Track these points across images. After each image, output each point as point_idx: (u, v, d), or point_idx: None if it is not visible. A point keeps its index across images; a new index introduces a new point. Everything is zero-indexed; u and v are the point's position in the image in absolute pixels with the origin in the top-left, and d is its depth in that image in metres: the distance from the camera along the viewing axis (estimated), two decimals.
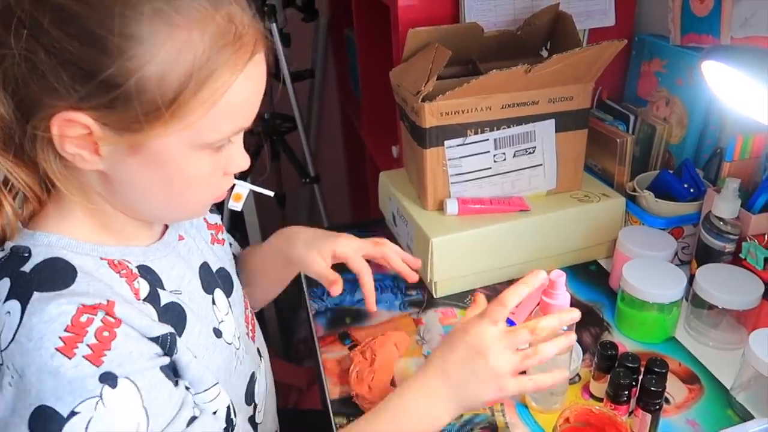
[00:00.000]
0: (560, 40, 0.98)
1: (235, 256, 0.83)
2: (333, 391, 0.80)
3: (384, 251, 0.78)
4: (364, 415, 0.63)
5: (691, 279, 0.84)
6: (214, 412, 0.60)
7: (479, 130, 0.92)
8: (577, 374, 0.79)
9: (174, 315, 0.59)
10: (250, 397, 0.71)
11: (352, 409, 0.76)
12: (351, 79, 1.94)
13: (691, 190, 0.93)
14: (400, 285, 0.99)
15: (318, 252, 0.75)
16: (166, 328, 0.55)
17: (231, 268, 0.75)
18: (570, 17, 0.95)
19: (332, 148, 2.20)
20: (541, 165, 0.97)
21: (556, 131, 0.95)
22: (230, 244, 0.82)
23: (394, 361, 0.81)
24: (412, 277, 0.79)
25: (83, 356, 0.48)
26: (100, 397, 0.48)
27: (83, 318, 0.49)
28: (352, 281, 1.00)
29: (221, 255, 0.74)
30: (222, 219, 0.82)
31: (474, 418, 0.73)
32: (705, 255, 0.86)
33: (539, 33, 1.00)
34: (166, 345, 0.55)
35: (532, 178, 0.98)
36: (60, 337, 0.48)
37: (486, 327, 0.60)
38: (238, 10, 0.51)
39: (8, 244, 0.54)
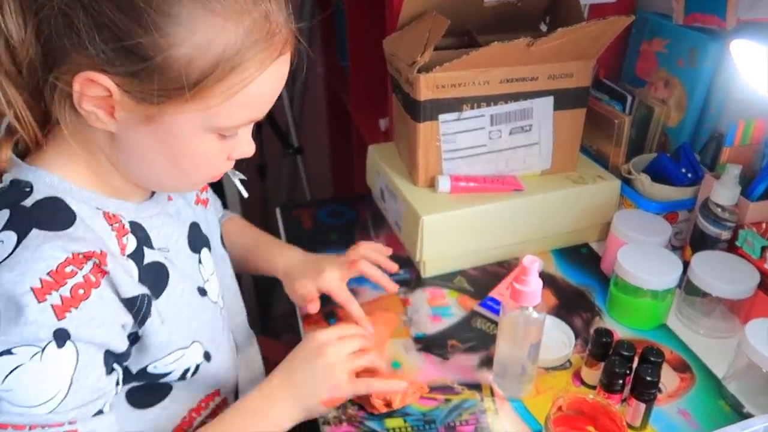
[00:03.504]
0: (561, 14, 0.94)
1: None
2: None
3: (362, 269, 0.80)
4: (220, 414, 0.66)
5: (684, 266, 0.82)
6: (169, 373, 0.63)
7: (475, 105, 0.88)
8: (568, 360, 0.77)
9: (155, 274, 0.60)
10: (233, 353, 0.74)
11: None
12: (338, 48, 1.88)
13: (689, 175, 0.91)
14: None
15: (305, 287, 0.81)
16: (143, 290, 0.57)
17: (209, 230, 0.75)
18: None
19: (316, 118, 2.14)
20: (537, 144, 0.94)
21: (554, 109, 0.91)
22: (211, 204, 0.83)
23: (385, 342, 0.78)
24: (392, 288, 0.83)
25: (51, 304, 0.49)
26: (42, 350, 0.49)
27: (68, 269, 0.50)
28: None
29: (201, 216, 0.74)
30: None
31: (463, 403, 0.71)
32: (700, 242, 0.85)
33: (540, 5, 0.96)
34: (142, 308, 0.56)
35: (527, 157, 0.95)
36: (40, 279, 0.49)
37: (323, 333, 0.69)
38: (275, 9, 0.52)
39: (7, 177, 0.54)
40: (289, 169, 2.04)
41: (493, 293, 0.88)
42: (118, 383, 0.57)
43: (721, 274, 0.78)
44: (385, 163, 1.01)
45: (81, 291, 0.50)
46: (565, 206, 0.94)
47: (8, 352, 0.48)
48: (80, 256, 0.50)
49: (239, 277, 0.89)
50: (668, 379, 0.74)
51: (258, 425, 0.63)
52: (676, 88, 1.00)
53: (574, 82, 0.90)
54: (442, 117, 0.88)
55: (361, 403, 0.71)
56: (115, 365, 0.56)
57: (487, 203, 0.90)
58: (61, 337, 0.49)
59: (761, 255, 0.78)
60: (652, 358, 0.67)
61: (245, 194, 0.72)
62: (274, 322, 1.81)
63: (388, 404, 0.69)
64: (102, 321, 0.52)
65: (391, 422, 0.69)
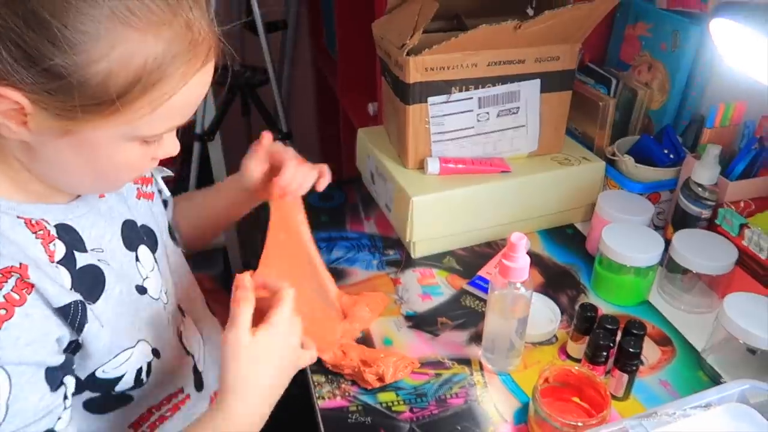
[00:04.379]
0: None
1: (166, 203, 0.81)
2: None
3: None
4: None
5: (666, 244, 0.85)
6: (122, 376, 0.60)
7: (464, 87, 0.89)
8: (554, 336, 0.79)
9: (90, 278, 0.58)
10: (186, 349, 0.72)
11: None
12: (325, 33, 1.88)
13: (671, 156, 0.93)
14: (378, 245, 0.97)
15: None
16: (76, 296, 0.54)
17: (155, 225, 0.72)
18: None
19: (304, 103, 2.14)
20: (524, 126, 0.96)
21: (540, 92, 0.93)
22: (160, 191, 0.79)
23: (368, 323, 0.80)
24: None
25: None
26: None
27: None
28: (327, 240, 0.99)
29: (144, 211, 0.72)
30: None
31: (453, 377, 0.73)
32: (681, 220, 0.87)
33: None
34: (77, 315, 0.54)
35: (514, 139, 0.97)
36: None
37: (266, 334, 0.61)
38: (196, 16, 0.49)
39: None
40: None
41: (482, 272, 0.90)
42: (66, 397, 0.54)
43: (701, 251, 0.80)
44: (375, 147, 1.02)
45: (2, 311, 0.47)
46: (552, 187, 0.97)
47: None
48: None
49: (227, 261, 0.88)
50: (650, 352, 0.77)
51: None
52: (659, 72, 1.02)
53: (560, 65, 0.92)
54: (431, 99, 0.89)
55: (354, 378, 0.73)
56: (65, 379, 0.54)
57: (476, 185, 0.92)
58: None
59: (739, 232, 0.80)
60: (634, 331, 0.70)
61: (167, 193, 0.71)
62: None
63: (380, 379, 0.71)
64: (31, 339, 0.49)
65: (384, 396, 0.71)
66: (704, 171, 0.84)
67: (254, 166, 0.77)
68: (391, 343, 0.79)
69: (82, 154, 0.51)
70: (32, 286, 0.50)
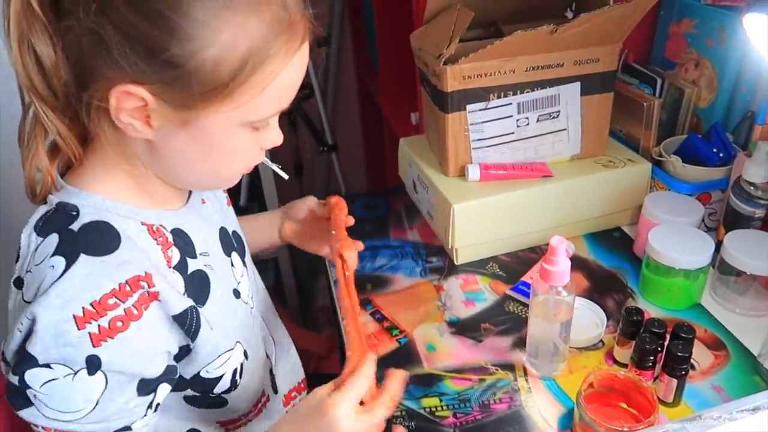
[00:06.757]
0: (587, 1, 0.95)
1: None
2: None
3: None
4: None
5: (718, 246, 0.82)
6: (222, 376, 0.64)
7: (502, 93, 0.90)
8: (601, 340, 0.78)
9: (199, 283, 0.62)
10: (265, 352, 0.75)
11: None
12: (368, 46, 1.91)
13: (721, 155, 0.90)
14: (421, 252, 0.98)
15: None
16: (189, 302, 0.58)
17: (242, 232, 0.77)
18: None
19: (349, 116, 2.18)
20: (565, 130, 0.95)
21: (581, 95, 0.92)
22: None
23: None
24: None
25: (89, 332, 0.50)
26: (75, 373, 0.51)
27: (111, 300, 0.51)
28: (371, 248, 1.00)
29: (233, 219, 0.76)
30: (241, 187, 0.82)
31: (497, 383, 0.73)
32: (733, 221, 0.85)
33: None
34: (192, 321, 0.58)
35: (555, 143, 0.96)
36: (83, 307, 0.50)
37: (341, 409, 0.54)
38: None
39: (52, 199, 0.56)
40: (324, 166, 2.08)
41: (525, 277, 0.90)
42: (152, 404, 0.57)
43: (756, 252, 0.78)
44: (417, 155, 1.03)
45: (119, 323, 0.51)
46: (596, 191, 0.95)
47: (47, 365, 0.50)
48: (127, 288, 0.52)
49: (279, 272, 0.90)
50: (702, 356, 0.75)
51: None
52: (706, 69, 0.99)
53: (600, 67, 0.91)
54: (469, 107, 0.90)
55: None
56: (159, 387, 0.57)
57: (517, 190, 0.91)
58: (93, 365, 0.51)
59: None
60: (683, 334, 0.68)
61: (285, 176, 0.74)
62: (315, 315, 1.86)
63: None
64: (137, 351, 0.53)
65: (427, 401, 0.72)
66: (756, 169, 0.81)
67: (307, 209, 0.83)
68: (434, 349, 0.79)
69: (199, 144, 0.55)
70: (156, 294, 0.54)
